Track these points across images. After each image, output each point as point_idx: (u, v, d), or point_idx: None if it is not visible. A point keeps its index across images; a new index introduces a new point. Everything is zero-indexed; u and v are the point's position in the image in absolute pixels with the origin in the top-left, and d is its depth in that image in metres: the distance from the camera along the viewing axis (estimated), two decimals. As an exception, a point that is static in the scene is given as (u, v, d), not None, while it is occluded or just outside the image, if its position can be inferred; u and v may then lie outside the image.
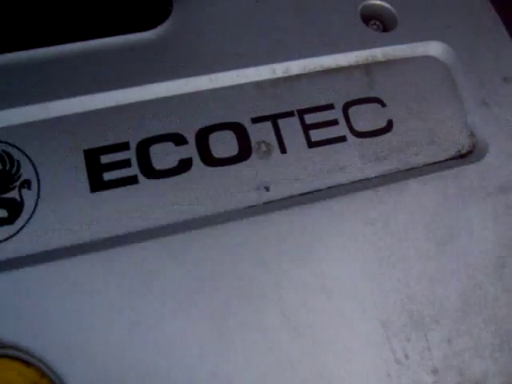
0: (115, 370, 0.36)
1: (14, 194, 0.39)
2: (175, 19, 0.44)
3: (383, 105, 0.44)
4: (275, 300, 0.39)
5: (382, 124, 0.44)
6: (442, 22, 0.48)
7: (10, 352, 0.38)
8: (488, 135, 0.45)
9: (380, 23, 0.48)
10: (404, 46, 0.46)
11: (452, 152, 0.44)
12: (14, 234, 0.38)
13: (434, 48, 0.47)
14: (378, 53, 0.46)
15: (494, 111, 0.46)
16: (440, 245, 0.42)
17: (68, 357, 0.36)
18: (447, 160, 0.44)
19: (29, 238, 0.38)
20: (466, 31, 0.48)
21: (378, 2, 0.48)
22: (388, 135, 0.44)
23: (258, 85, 0.43)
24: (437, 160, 0.44)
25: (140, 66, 0.42)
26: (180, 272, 0.37)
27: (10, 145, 0.39)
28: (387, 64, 0.46)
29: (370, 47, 0.46)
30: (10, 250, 0.38)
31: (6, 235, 0.38)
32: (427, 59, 0.47)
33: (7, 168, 0.39)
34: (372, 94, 0.44)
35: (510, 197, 0.44)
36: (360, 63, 0.46)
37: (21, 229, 0.38)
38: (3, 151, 0.39)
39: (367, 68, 0.45)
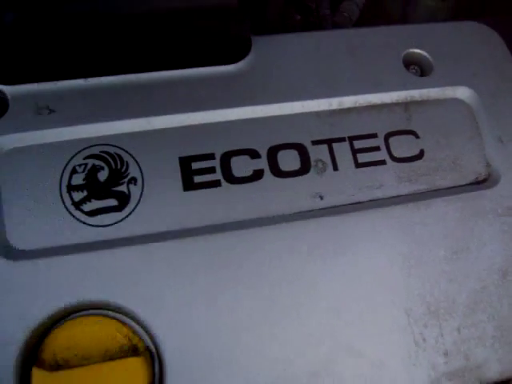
0: (201, 338, 0.47)
1: (123, 187, 0.50)
2: (253, 57, 0.56)
3: (417, 137, 0.56)
4: (323, 288, 0.50)
5: (416, 152, 0.55)
6: (470, 70, 0.59)
7: (110, 313, 0.49)
8: (501, 167, 0.56)
9: (419, 68, 0.60)
10: (437, 90, 0.57)
11: (471, 178, 0.55)
12: (122, 219, 0.50)
13: (462, 92, 0.58)
14: (416, 94, 0.57)
15: (508, 147, 0.56)
16: (456, 253, 0.53)
17: (160, 321, 0.48)
18: (466, 185, 0.55)
19: (134, 223, 0.49)
20: (489, 79, 0.59)
21: (418, 51, 0.60)
22: (419, 162, 0.55)
23: (318, 114, 0.55)
24: (458, 184, 0.55)
25: (225, 92, 0.54)
26: (252, 259, 0.48)
27: (121, 149, 0.51)
28: (423, 103, 0.57)
29: (409, 88, 0.57)
30: (118, 232, 0.49)
31: (116, 220, 0.50)
32: (455, 101, 0.58)
33: (118, 167, 0.51)
34: (409, 128, 0.56)
35: (516, 217, 0.55)
36: (400, 101, 0.57)
37: (127, 216, 0.50)
38: (115, 153, 0.51)
39: (406, 106, 0.57)
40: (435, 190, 0.54)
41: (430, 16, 0.98)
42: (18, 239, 0.47)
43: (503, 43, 0.61)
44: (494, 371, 0.53)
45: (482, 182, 0.55)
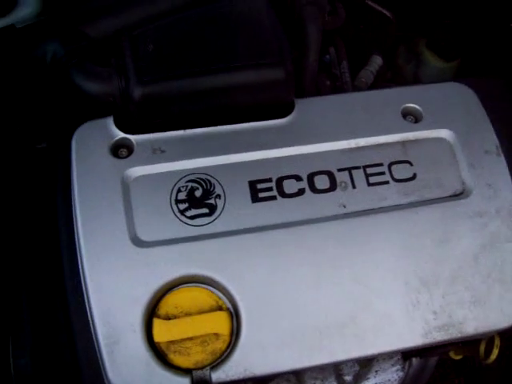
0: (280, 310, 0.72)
1: (211, 201, 0.78)
2: (296, 113, 0.84)
3: (411, 164, 0.82)
4: (349, 268, 0.76)
5: (410, 175, 0.81)
6: (450, 118, 0.86)
7: (204, 285, 0.76)
8: (472, 185, 0.82)
9: (413, 117, 0.87)
10: (426, 132, 0.84)
11: (450, 192, 0.81)
12: (211, 222, 0.77)
13: (444, 133, 0.84)
14: (410, 135, 0.84)
15: (477, 171, 0.83)
16: (440, 243, 0.78)
17: (238, 290, 0.74)
18: (447, 197, 0.81)
19: (219, 224, 0.77)
20: (464, 124, 0.85)
21: (413, 105, 0.87)
22: (413, 181, 0.81)
23: (342, 151, 0.82)
24: (441, 196, 0.81)
25: (278, 137, 0.82)
26: (302, 246, 0.75)
27: (210, 175, 0.79)
28: (415, 142, 0.84)
29: (406, 131, 0.84)
30: (209, 229, 0.77)
31: (207, 222, 0.77)
32: (439, 139, 0.84)
33: (208, 187, 0.79)
34: (405, 158, 0.82)
35: (483, 219, 0.81)
36: (400, 141, 0.84)
37: (215, 219, 0.77)
38: (206, 179, 0.79)
39: (403, 144, 0.84)
40: (424, 201, 0.80)
41: (437, 76, 1.25)
42: (143, 233, 0.76)
43: (476, 97, 0.88)
44: (471, 327, 0.77)
45: (459, 195, 0.81)
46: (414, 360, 0.95)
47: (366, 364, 0.92)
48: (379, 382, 0.93)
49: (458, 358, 0.93)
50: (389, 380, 0.94)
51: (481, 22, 1.13)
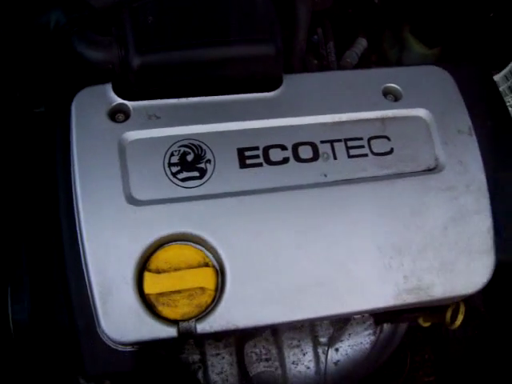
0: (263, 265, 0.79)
1: (202, 165, 0.84)
2: (283, 88, 0.91)
3: (389, 140, 0.89)
4: (329, 232, 0.83)
5: (388, 149, 0.88)
6: (427, 98, 0.93)
7: (192, 243, 0.83)
8: (445, 160, 0.89)
9: (393, 96, 0.94)
10: (404, 110, 0.91)
11: (424, 167, 0.88)
12: (201, 184, 0.84)
13: (421, 112, 0.91)
14: (389, 113, 0.90)
15: (450, 148, 0.90)
16: (412, 214, 0.85)
17: (224, 248, 0.81)
18: (421, 171, 0.88)
19: (208, 187, 0.84)
20: (440, 104, 0.93)
21: (393, 85, 0.94)
22: (390, 156, 0.88)
23: (324, 124, 0.89)
24: (416, 170, 0.88)
25: (265, 109, 0.88)
26: (283, 209, 0.82)
27: (201, 142, 0.86)
28: (394, 119, 0.91)
29: (385, 109, 0.91)
30: (199, 191, 0.83)
31: (198, 184, 0.84)
32: (416, 118, 0.91)
33: (199, 152, 0.85)
34: (384, 134, 0.89)
35: (454, 193, 0.88)
36: (379, 117, 0.90)
37: (205, 182, 0.84)
38: (198, 144, 0.85)
39: (383, 120, 0.90)
40: (400, 174, 0.87)
41: (420, 61, 1.32)
42: (138, 192, 0.82)
43: (453, 81, 0.95)
44: (438, 291, 0.84)
45: (432, 170, 0.88)
46: (385, 326, 1.02)
47: (340, 327, 0.99)
48: (352, 344, 1.01)
49: (426, 325, 1.01)
50: (361, 343, 1.01)
51: (463, 11, 1.20)
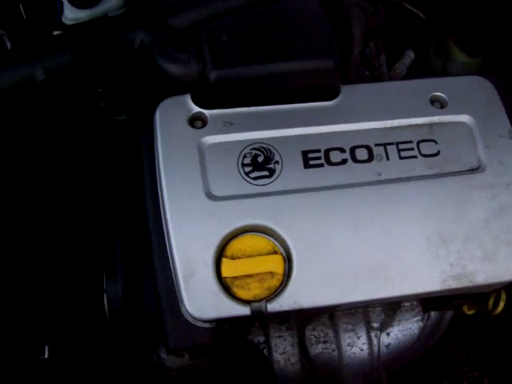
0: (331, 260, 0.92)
1: (271, 165, 0.97)
2: (341, 97, 1.04)
3: (436, 143, 1.01)
4: (385, 224, 0.94)
5: (435, 151, 1.00)
6: (471, 105, 1.05)
7: (262, 234, 0.96)
8: (487, 162, 1.01)
9: (439, 104, 1.06)
10: (449, 116, 1.02)
11: (468, 167, 0.99)
12: (270, 182, 0.97)
13: (465, 118, 1.03)
14: (436, 119, 1.02)
15: (492, 151, 1.02)
16: (457, 208, 0.95)
17: (292, 238, 0.94)
18: (465, 171, 0.99)
19: (277, 185, 0.97)
20: (482, 111, 1.04)
21: (440, 94, 1.06)
22: (437, 157, 1.00)
23: (378, 130, 1.02)
24: (460, 170, 1.00)
25: (326, 116, 1.02)
26: (346, 205, 0.95)
27: (270, 145, 0.99)
28: (440, 124, 1.02)
29: (433, 115, 1.04)
30: (269, 189, 0.97)
31: (267, 182, 0.97)
32: (461, 123, 1.02)
33: (268, 154, 0.99)
34: (431, 138, 1.00)
35: (494, 191, 0.99)
36: (427, 123, 1.02)
37: (274, 180, 0.97)
38: (267, 148, 0.98)
39: (430, 125, 1.02)
40: (446, 173, 0.98)
41: (463, 70, 1.44)
42: (216, 189, 0.95)
43: (494, 89, 1.06)
44: (480, 278, 0.95)
45: (475, 170, 0.99)
46: (432, 313, 1.14)
47: (390, 313, 1.12)
48: (402, 329, 1.13)
49: (470, 312, 1.12)
50: (410, 328, 1.14)
51: (503, 24, 1.31)
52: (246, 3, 1.05)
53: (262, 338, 1.10)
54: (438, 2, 1.33)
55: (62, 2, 1.15)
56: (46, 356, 0.93)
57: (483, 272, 0.94)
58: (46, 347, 0.93)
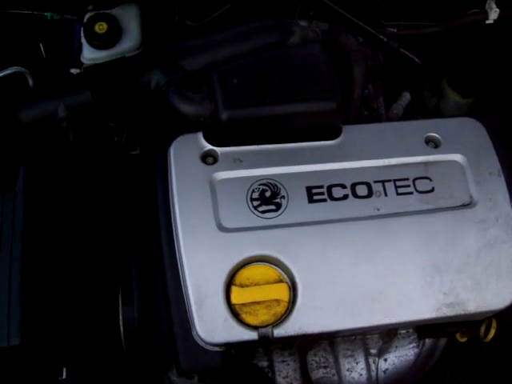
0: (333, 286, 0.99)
1: (277, 200, 1.05)
2: (343, 137, 1.13)
3: (430, 180, 1.10)
4: (384, 256, 1.03)
5: (429, 188, 1.08)
6: (462, 145, 1.15)
7: (268, 264, 1.04)
8: (478, 198, 1.10)
9: (434, 144, 1.15)
10: (443, 155, 1.12)
11: (460, 203, 1.08)
12: (277, 215, 1.05)
13: (457, 157, 1.12)
14: (431, 158, 1.11)
15: (482, 186, 1.10)
16: (450, 241, 1.04)
17: (296, 268, 1.02)
18: (458, 206, 1.08)
19: (283, 218, 1.05)
20: (473, 151, 1.13)
21: (434, 134, 1.15)
22: (432, 193, 1.08)
23: (377, 167, 1.10)
24: (453, 205, 1.08)
25: (328, 154, 1.11)
26: (345, 237, 1.03)
27: (277, 181, 1.07)
28: (435, 163, 1.11)
29: (427, 155, 1.12)
30: (275, 221, 1.05)
31: (274, 215, 1.05)
32: (453, 162, 1.10)
33: (275, 190, 1.07)
34: (426, 175, 1.09)
35: (485, 225, 1.07)
36: (422, 161, 1.11)
37: (280, 214, 1.05)
38: (274, 184, 1.07)
39: (425, 164, 1.11)
40: (440, 208, 1.07)
41: (456, 109, 1.52)
42: (226, 221, 1.03)
43: (484, 130, 1.16)
44: (472, 306, 1.01)
45: (467, 205, 1.07)
46: (427, 340, 1.22)
47: (388, 340, 1.20)
48: (398, 355, 1.21)
49: (462, 340, 1.20)
50: (406, 354, 1.21)
51: (493, 67, 1.42)
52: (254, 48, 1.14)
53: (265, 363, 1.17)
54: (432, 48, 1.42)
55: (81, 42, 1.24)
56: (64, 377, 0.99)
57: (475, 301, 1.01)
58: (64, 368, 1.00)
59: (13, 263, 0.93)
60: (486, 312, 1.03)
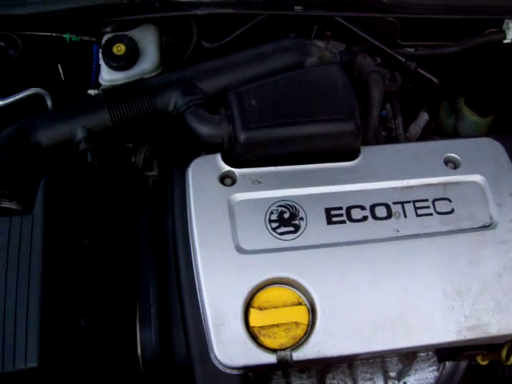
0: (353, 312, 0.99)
1: (296, 221, 1.06)
2: (361, 158, 1.13)
3: (450, 201, 1.10)
4: (404, 277, 1.03)
5: (449, 209, 1.09)
6: (482, 166, 1.14)
7: (288, 286, 1.04)
8: (498, 219, 1.10)
9: (453, 164, 1.15)
10: (462, 176, 1.12)
11: (480, 224, 1.08)
12: (296, 237, 1.05)
13: (477, 178, 1.11)
14: (450, 179, 1.11)
15: (502, 207, 1.10)
16: (470, 262, 1.05)
17: (315, 290, 1.02)
18: (478, 227, 1.08)
19: (302, 240, 1.06)
20: (493, 171, 1.13)
21: (453, 155, 1.15)
22: (452, 214, 1.08)
23: (395, 188, 1.10)
24: (473, 227, 1.08)
25: (347, 175, 1.11)
26: (365, 258, 1.03)
27: (295, 203, 1.08)
28: (454, 183, 1.11)
29: (447, 175, 1.13)
30: (294, 243, 1.05)
31: (293, 237, 1.06)
32: (473, 183, 1.12)
33: (294, 211, 1.07)
34: (446, 196, 1.09)
35: (506, 246, 1.06)
36: (442, 182, 1.11)
37: (299, 236, 1.05)
38: (293, 205, 1.08)
39: (445, 185, 1.11)
40: (460, 230, 1.07)
41: (474, 129, 1.54)
42: (245, 243, 1.03)
43: (503, 150, 1.15)
44: (494, 329, 1.01)
45: (487, 227, 1.07)
46: (448, 363, 1.21)
47: (407, 363, 1.19)
48: (418, 378, 1.20)
49: (484, 363, 1.19)
50: (426, 378, 1.20)
51: (511, 85, 1.42)
52: (272, 70, 1.15)
53: (283, 386, 1.17)
54: (450, 68, 1.43)
55: (99, 64, 1.25)
56: (82, 400, 0.99)
57: (496, 323, 1.01)
58: (82, 392, 1.00)
59: (31, 284, 0.93)
60: (508, 335, 1.02)
